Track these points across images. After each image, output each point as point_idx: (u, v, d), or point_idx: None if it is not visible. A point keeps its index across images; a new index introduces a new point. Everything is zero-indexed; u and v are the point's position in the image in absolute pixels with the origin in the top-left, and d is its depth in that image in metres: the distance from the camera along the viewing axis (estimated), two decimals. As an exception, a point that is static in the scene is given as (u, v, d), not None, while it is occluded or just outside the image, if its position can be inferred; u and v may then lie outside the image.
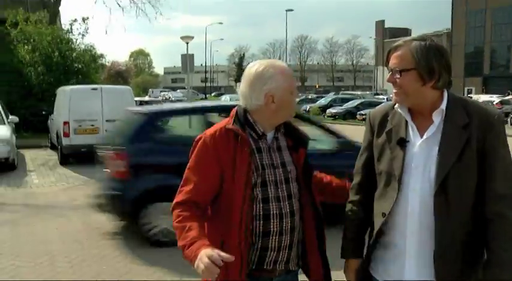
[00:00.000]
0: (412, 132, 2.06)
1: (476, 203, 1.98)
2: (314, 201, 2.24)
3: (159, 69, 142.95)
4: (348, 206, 2.30)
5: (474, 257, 2.02)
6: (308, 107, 35.84)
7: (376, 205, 2.15)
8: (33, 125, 17.64)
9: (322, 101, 39.27)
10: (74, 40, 19.51)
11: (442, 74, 1.98)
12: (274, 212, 2.13)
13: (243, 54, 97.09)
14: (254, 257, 2.15)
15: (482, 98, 43.13)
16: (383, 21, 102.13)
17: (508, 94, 48.17)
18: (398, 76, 1.99)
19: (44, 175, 11.03)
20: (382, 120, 2.16)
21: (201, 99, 58.82)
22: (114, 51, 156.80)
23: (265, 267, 2.17)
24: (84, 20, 19.52)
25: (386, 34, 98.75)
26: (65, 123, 11.60)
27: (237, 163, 2.08)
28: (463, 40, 76.48)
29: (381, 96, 47.93)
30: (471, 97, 46.19)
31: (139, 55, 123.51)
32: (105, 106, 11.85)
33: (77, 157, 12.20)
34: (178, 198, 2.11)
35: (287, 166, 2.21)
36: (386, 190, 2.09)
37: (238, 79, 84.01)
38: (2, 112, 12.56)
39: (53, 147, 14.61)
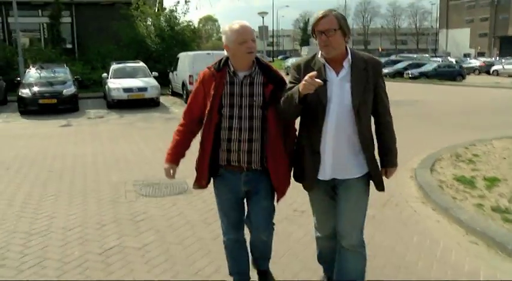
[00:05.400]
0: (330, 74, 2.74)
1: (371, 115, 2.88)
2: (274, 123, 2.86)
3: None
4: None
5: (373, 146, 2.90)
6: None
7: (311, 127, 2.83)
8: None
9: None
10: (178, 17, 25.41)
11: (348, 33, 2.71)
12: (236, 126, 2.85)
13: (308, 19, 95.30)
14: (223, 156, 2.93)
15: None
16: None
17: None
18: (333, 33, 2.63)
19: (178, 108, 15.82)
20: (306, 66, 2.81)
21: (269, 62, 62.11)
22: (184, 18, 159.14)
23: (232, 164, 2.94)
24: (186, 1, 25.29)
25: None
26: (190, 76, 17.17)
27: (212, 91, 2.87)
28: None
29: (438, 58, 48.92)
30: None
31: (208, 21, 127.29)
32: (216, 64, 17.57)
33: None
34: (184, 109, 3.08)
35: (255, 96, 2.85)
36: (317, 115, 2.75)
37: (302, 43, 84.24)
38: (148, 70, 18.54)
39: (173, 94, 20.32)
